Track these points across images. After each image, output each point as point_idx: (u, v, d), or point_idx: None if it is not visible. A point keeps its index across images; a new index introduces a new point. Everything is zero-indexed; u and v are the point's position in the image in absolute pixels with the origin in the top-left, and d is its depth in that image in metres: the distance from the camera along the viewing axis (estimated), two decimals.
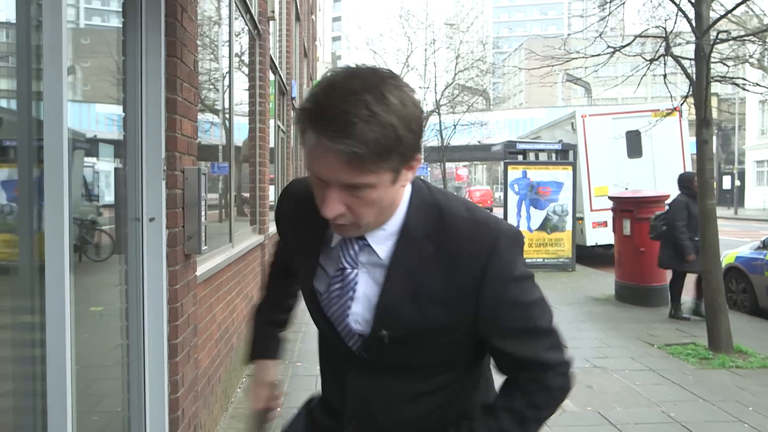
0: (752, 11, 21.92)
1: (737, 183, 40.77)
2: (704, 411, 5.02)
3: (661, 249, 8.49)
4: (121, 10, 3.03)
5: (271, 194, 8.16)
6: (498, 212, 15.74)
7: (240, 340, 5.56)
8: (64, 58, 2.19)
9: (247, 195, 7.05)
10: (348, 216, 1.20)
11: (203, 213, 3.50)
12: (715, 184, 7.64)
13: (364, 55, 50.49)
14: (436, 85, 30.16)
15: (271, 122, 8.16)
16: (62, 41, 2.16)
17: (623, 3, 8.87)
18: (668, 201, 8.97)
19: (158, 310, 3.15)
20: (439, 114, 26.91)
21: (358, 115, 1.08)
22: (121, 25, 3.03)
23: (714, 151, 7.15)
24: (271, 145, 8.39)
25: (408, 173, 1.21)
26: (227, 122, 5.50)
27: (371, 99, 1.09)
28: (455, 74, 32.78)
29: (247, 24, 6.39)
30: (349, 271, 1.32)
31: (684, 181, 8.35)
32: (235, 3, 5.63)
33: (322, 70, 27.87)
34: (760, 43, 9.30)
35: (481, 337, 1.35)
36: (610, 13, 9.12)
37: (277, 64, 9.11)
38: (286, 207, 1.52)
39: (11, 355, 2.21)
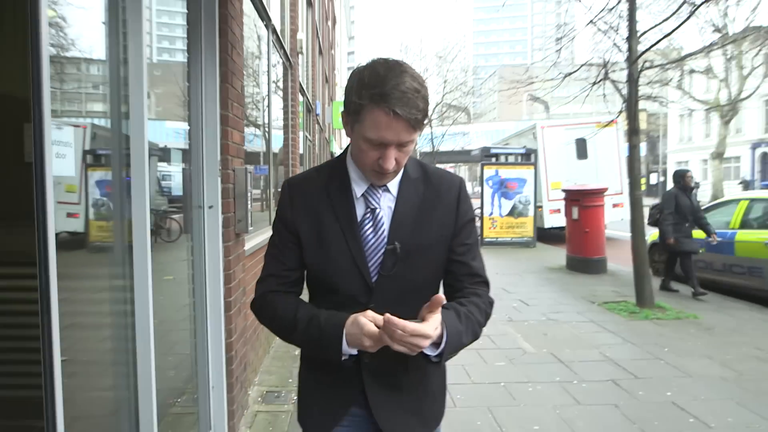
0: (673, 45, 21.68)
1: (661, 179, 40.46)
2: (632, 351, 5.05)
3: (660, 233, 7.73)
4: (186, 47, 3.06)
5: None
6: (475, 203, 15.75)
7: None
8: (145, 86, 2.24)
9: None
10: (395, 166, 1.29)
11: (249, 202, 3.55)
12: (643, 179, 7.58)
13: None
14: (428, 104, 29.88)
15: (300, 134, 8.16)
16: (143, 73, 2.21)
17: (572, 39, 8.81)
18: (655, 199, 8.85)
19: (216, 276, 3.20)
20: (431, 126, 26.71)
21: (414, 93, 1.22)
22: (185, 59, 3.07)
23: (642, 153, 7.11)
24: (301, 151, 8.40)
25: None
26: (266, 134, 5.51)
27: (415, 81, 1.23)
28: (443, 95, 32.55)
29: (281, 57, 6.39)
30: (378, 210, 1.39)
31: (677, 176, 7.69)
32: (272, 41, 5.65)
33: (339, 93, 27.74)
34: (678, 70, 9.23)
35: (450, 253, 1.44)
36: (561, 47, 9.07)
37: (305, 88, 9.10)
38: (299, 201, 1.43)
39: (109, 310, 2.27)
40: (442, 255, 1.43)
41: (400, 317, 1.18)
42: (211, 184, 3.16)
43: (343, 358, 1.31)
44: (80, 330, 1.98)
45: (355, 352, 1.30)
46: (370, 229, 1.38)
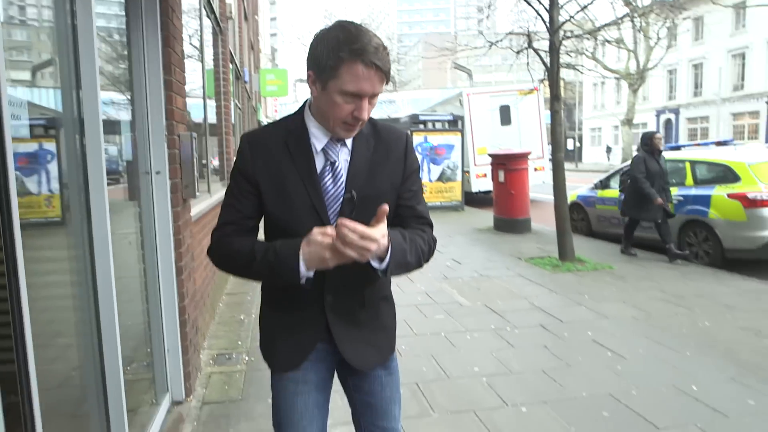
0: (588, 17, 22.65)
1: (577, 144, 42.67)
2: (556, 299, 5.52)
3: (624, 199, 7.59)
4: (124, 13, 3.00)
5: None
6: None
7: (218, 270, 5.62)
8: (96, 57, 2.23)
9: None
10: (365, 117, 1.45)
11: (195, 168, 3.56)
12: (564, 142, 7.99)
13: (296, 48, 48.95)
14: None
15: (232, 102, 8.01)
16: (93, 43, 2.20)
17: (494, 9, 9.11)
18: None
19: (167, 241, 3.22)
20: None
21: (383, 48, 1.38)
22: (124, 24, 3.01)
23: (562, 119, 7.54)
24: (233, 120, 8.26)
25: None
26: (203, 102, 5.42)
27: (380, 39, 1.40)
28: None
29: (212, 23, 6.24)
30: (337, 163, 1.53)
31: (644, 138, 7.33)
32: (203, 5, 5.51)
33: (264, 60, 26.95)
34: (592, 40, 9.77)
35: (399, 199, 1.60)
36: (487, 16, 9.36)
37: (234, 55, 8.88)
38: (259, 154, 1.52)
39: (69, 267, 2.28)
40: (392, 201, 1.56)
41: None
42: (158, 149, 3.15)
43: (302, 281, 1.41)
44: (42, 302, 1.98)
45: (311, 274, 1.42)
46: (330, 180, 1.51)
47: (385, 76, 1.39)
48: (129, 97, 3.05)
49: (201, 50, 5.40)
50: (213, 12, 6.15)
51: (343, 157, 1.54)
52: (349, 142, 1.54)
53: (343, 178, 1.52)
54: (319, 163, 1.52)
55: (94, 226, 2.28)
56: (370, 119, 1.57)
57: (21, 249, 1.47)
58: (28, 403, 1.49)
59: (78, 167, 2.23)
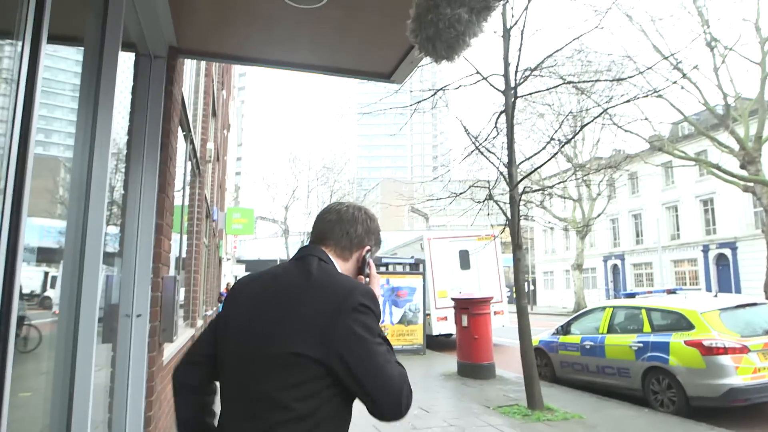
0: (538, 173, 24.65)
1: (531, 287, 43.83)
2: None
3: None
4: (125, 159, 3.15)
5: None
6: None
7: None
8: (105, 196, 2.33)
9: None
10: None
11: (176, 310, 3.51)
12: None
13: (259, 187, 50.57)
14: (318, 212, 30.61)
15: (203, 239, 8.07)
16: (106, 182, 2.31)
17: (450, 164, 9.85)
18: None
19: (139, 388, 3.07)
20: None
21: None
22: (123, 169, 3.15)
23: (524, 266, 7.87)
24: (203, 258, 8.26)
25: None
26: (180, 240, 5.47)
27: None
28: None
29: (192, 165, 6.51)
30: None
31: None
32: (188, 151, 5.79)
33: (228, 199, 27.56)
34: (540, 192, 10.59)
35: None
36: (448, 171, 10.08)
37: (206, 195, 9.13)
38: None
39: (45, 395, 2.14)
40: None
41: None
42: (142, 292, 3.13)
43: None
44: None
45: None
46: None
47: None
48: (120, 238, 3.09)
49: (183, 190, 5.57)
50: (195, 155, 6.44)
51: None
52: None
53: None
54: None
55: (77, 368, 2.20)
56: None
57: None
58: None
59: (71, 298, 2.21)
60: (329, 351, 1.34)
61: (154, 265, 3.22)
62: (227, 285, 21.68)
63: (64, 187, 2.38)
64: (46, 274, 2.36)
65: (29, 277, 2.17)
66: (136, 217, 3.13)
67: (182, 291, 6.84)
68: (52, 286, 2.33)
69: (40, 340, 2.53)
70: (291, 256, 1.64)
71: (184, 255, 6.03)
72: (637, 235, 35.75)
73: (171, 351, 4.63)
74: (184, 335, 5.72)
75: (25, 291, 2.24)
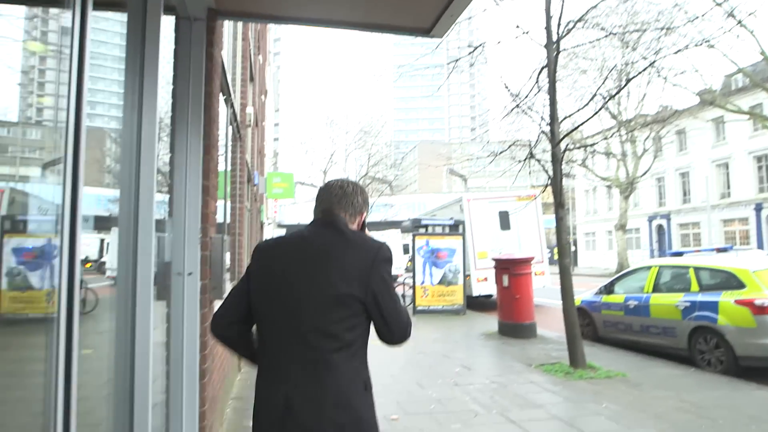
0: (579, 130, 24.00)
1: (573, 249, 43.20)
2: (574, 408, 5.37)
3: None
4: (170, 117, 3.21)
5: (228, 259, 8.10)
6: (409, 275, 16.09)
7: (228, 369, 5.50)
8: (155, 161, 2.39)
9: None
10: None
11: (224, 269, 3.62)
12: (555, 249, 7.99)
13: (297, 152, 50.96)
14: (356, 175, 30.71)
15: (246, 203, 8.24)
16: (154, 147, 2.37)
17: (487, 124, 9.67)
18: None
19: (193, 342, 3.21)
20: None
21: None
22: (169, 132, 3.21)
23: (554, 225, 7.69)
24: (246, 222, 8.45)
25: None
26: (224, 204, 5.60)
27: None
28: (368, 168, 33.59)
29: (233, 130, 6.59)
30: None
31: None
32: (229, 115, 5.86)
33: (268, 164, 27.91)
34: (583, 150, 10.30)
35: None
36: (486, 131, 9.90)
37: (247, 159, 9.26)
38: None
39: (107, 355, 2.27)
40: None
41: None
42: (192, 251, 3.23)
43: None
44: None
45: None
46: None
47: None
48: (168, 200, 3.19)
49: (225, 155, 5.67)
50: (236, 120, 6.52)
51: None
52: None
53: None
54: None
55: (137, 325, 2.31)
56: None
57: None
58: None
59: (128, 261, 2.30)
60: (367, 291, 1.79)
61: (202, 226, 3.31)
62: None
63: (111, 156, 2.45)
64: (102, 240, 2.46)
65: (86, 244, 2.28)
66: (184, 179, 3.21)
67: (227, 255, 7.04)
68: (108, 252, 2.43)
69: (96, 302, 2.66)
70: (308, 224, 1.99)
71: (228, 220, 6.17)
72: (684, 194, 34.53)
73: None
74: None
75: (82, 257, 2.35)
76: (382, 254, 1.85)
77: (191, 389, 3.18)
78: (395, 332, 1.84)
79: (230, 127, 6.10)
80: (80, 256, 1.63)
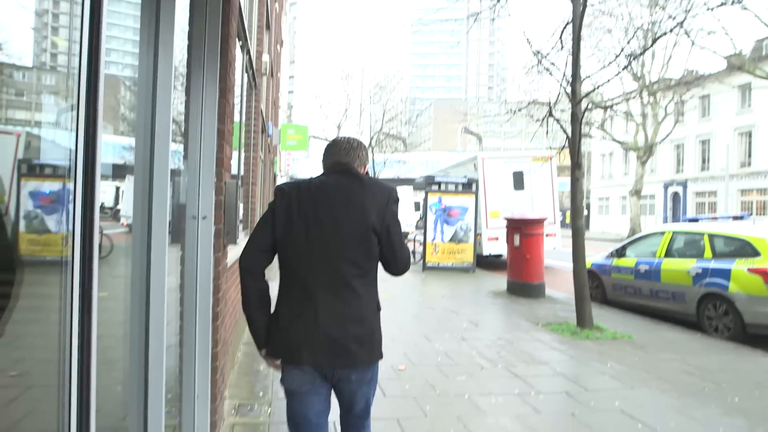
0: (598, 90, 23.43)
1: (585, 213, 42.94)
2: (579, 367, 5.44)
3: None
4: (186, 64, 3.16)
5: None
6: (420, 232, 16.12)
7: (240, 315, 5.61)
8: (172, 105, 2.36)
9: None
10: None
11: (238, 215, 3.63)
12: (568, 212, 7.88)
13: (311, 105, 50.43)
14: (370, 131, 30.45)
15: (260, 153, 8.21)
16: (170, 91, 2.33)
17: (505, 82, 9.44)
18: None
19: (207, 285, 3.25)
20: (372, 153, 27.19)
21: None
22: (185, 73, 3.16)
23: (567, 188, 7.58)
24: (259, 171, 8.44)
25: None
26: (238, 153, 5.57)
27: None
28: (383, 123, 33.23)
29: (249, 78, 6.50)
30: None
31: None
32: (245, 62, 5.76)
33: (282, 116, 27.73)
34: (601, 112, 10.07)
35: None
36: (503, 90, 9.68)
37: (261, 109, 9.18)
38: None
39: (122, 298, 2.31)
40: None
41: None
42: (206, 195, 3.23)
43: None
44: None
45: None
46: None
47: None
48: (183, 144, 3.17)
49: (240, 103, 5.61)
50: (252, 67, 6.42)
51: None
52: None
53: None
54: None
55: (152, 269, 2.34)
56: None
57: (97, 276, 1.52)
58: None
59: (144, 208, 2.31)
60: (382, 225, 2.13)
61: (217, 170, 3.30)
62: None
63: (126, 105, 2.42)
64: (117, 188, 2.46)
65: (103, 191, 2.28)
66: (199, 123, 3.18)
67: (240, 205, 7.07)
68: (123, 199, 2.44)
69: (111, 248, 2.69)
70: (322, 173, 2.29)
71: (242, 170, 6.16)
72: (704, 162, 33.89)
73: (235, 254, 4.85)
74: (244, 243, 5.96)
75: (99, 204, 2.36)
76: (394, 195, 2.21)
77: (204, 331, 3.25)
78: (400, 263, 2.21)
79: (246, 75, 6.02)
80: (98, 201, 1.63)
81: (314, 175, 2.28)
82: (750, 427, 3.97)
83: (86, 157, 1.54)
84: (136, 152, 2.32)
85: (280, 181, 29.31)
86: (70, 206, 1.52)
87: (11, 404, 1.54)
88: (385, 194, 2.17)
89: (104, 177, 2.36)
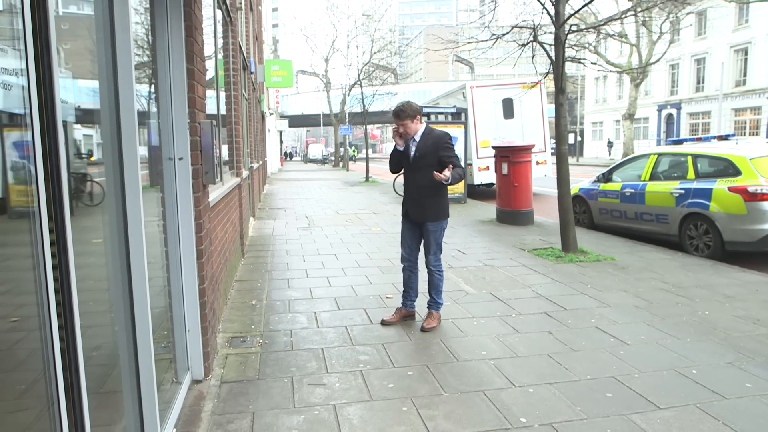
0: (591, 11, 22.74)
1: (578, 138, 42.73)
2: (560, 288, 5.65)
3: None
4: (148, 3, 3.09)
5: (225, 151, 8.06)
6: None
7: (230, 254, 5.75)
8: (132, 47, 2.34)
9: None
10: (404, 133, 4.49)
11: (216, 154, 3.67)
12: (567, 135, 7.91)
13: (298, 39, 48.75)
14: (358, 63, 29.71)
15: (241, 92, 8.09)
16: (129, 34, 2.31)
17: (497, 5, 9.17)
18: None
19: (189, 225, 3.34)
20: (361, 86, 26.65)
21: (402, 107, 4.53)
22: (149, 12, 3.10)
23: (566, 112, 7.59)
24: (242, 110, 8.34)
25: (417, 120, 4.43)
26: (216, 92, 5.51)
27: (404, 106, 4.50)
28: (371, 55, 32.34)
29: (223, 13, 6.32)
30: (412, 145, 4.47)
31: None
32: None
33: (267, 52, 26.93)
34: (595, 34, 9.86)
35: (440, 158, 4.34)
36: (493, 11, 9.42)
37: (241, 46, 8.95)
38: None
39: (104, 248, 2.39)
40: (436, 159, 4.36)
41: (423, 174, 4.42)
42: (181, 136, 3.26)
43: None
44: (79, 283, 2.10)
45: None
46: (413, 150, 4.47)
47: (398, 117, 4.46)
48: (153, 86, 3.16)
49: (214, 41, 5.49)
50: (225, 2, 6.23)
51: (413, 144, 4.47)
52: (417, 138, 4.46)
53: (414, 149, 4.47)
54: (412, 145, 4.50)
55: (128, 212, 2.40)
56: (431, 128, 4.47)
57: (71, 235, 1.59)
58: (76, 378, 1.62)
59: (114, 154, 2.35)
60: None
61: (189, 110, 3.31)
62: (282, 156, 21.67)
63: (85, 43, 2.38)
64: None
65: (84, 135, 2.30)
66: (167, 63, 3.15)
67: (225, 147, 7.04)
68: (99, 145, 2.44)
69: (104, 195, 2.73)
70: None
71: (223, 111, 6.10)
72: (698, 82, 33.44)
73: (219, 194, 4.91)
74: (230, 183, 6.01)
75: (84, 151, 2.38)
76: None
77: (190, 269, 3.37)
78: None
79: (219, 11, 5.85)
80: (62, 146, 1.63)
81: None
82: (716, 333, 4.20)
83: (41, 100, 1.56)
84: (101, 96, 2.33)
85: (269, 119, 28.81)
86: (31, 154, 1.55)
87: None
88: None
89: (85, 124, 2.41)
